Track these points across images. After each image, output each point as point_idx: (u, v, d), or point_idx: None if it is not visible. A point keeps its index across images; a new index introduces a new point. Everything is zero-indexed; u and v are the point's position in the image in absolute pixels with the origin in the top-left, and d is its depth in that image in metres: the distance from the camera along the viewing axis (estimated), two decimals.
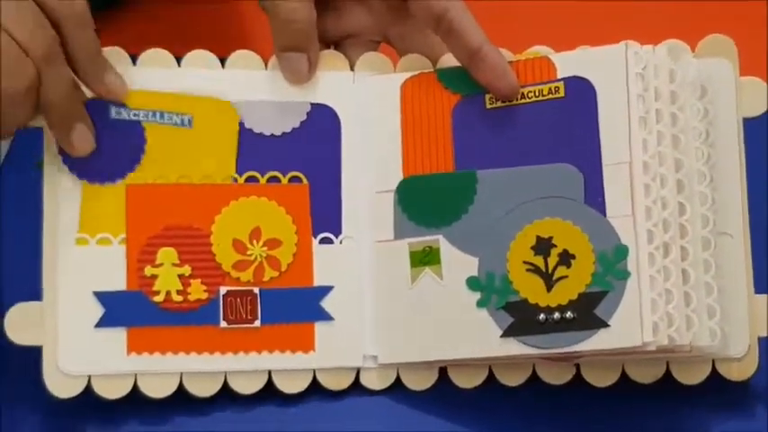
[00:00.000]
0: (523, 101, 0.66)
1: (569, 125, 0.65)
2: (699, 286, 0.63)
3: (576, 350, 0.63)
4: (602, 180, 0.64)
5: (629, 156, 0.63)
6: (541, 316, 0.64)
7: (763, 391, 0.66)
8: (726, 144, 0.66)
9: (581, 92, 0.65)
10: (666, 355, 0.65)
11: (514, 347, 0.64)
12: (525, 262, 0.64)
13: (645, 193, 0.63)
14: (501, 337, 0.64)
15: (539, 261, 0.64)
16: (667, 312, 0.62)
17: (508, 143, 0.65)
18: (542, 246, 0.64)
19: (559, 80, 0.65)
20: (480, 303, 0.65)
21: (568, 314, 0.63)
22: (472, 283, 0.65)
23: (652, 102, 0.64)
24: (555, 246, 0.64)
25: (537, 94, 0.65)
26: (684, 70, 0.65)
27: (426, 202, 0.67)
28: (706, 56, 0.67)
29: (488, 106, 0.66)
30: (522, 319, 0.64)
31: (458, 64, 0.67)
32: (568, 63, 0.65)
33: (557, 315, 0.64)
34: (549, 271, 0.64)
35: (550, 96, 0.65)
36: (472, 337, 0.65)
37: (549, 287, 0.64)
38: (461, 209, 0.66)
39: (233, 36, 0.78)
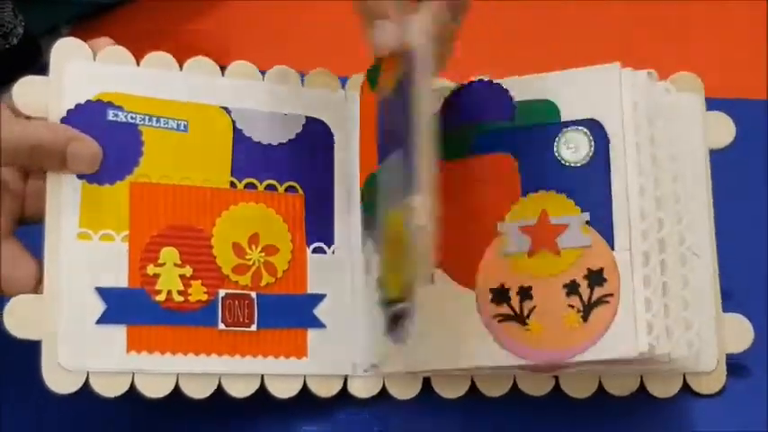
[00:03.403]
0: None
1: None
2: (677, 299, 0.66)
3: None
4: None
5: None
6: None
7: (732, 403, 0.70)
8: (693, 172, 0.70)
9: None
10: (644, 367, 0.68)
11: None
12: None
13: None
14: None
15: None
16: (647, 320, 0.64)
17: None
18: None
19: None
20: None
21: None
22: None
23: (630, 116, 0.66)
24: None
25: None
26: (660, 96, 0.69)
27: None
28: (677, 90, 0.71)
29: None
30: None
31: None
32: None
33: None
34: None
35: None
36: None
37: None
38: None
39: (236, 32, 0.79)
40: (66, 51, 0.66)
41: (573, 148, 0.66)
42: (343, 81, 0.71)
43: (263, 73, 0.70)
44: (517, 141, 0.67)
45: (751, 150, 0.72)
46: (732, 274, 0.70)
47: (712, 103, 0.71)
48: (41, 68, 0.65)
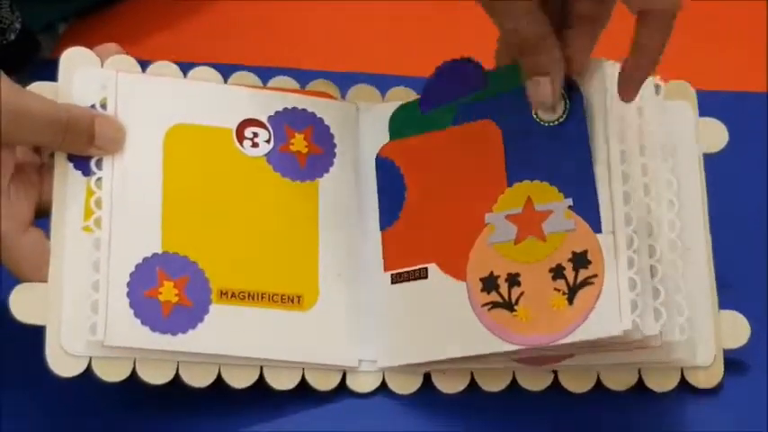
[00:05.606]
0: None
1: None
2: (669, 283, 0.67)
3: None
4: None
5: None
6: None
7: (729, 398, 0.70)
8: (686, 171, 0.72)
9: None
10: (641, 357, 0.68)
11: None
12: None
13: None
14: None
15: None
16: (631, 299, 0.65)
17: None
18: None
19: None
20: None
21: None
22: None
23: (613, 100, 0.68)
24: None
25: None
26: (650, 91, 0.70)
27: None
28: (668, 99, 0.73)
29: None
30: None
31: None
32: None
33: None
34: None
35: None
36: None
37: None
38: None
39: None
40: (75, 59, 0.69)
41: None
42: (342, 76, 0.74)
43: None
44: (496, 107, 0.69)
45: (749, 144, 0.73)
46: (729, 271, 0.71)
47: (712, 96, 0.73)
48: (38, 65, 0.67)
